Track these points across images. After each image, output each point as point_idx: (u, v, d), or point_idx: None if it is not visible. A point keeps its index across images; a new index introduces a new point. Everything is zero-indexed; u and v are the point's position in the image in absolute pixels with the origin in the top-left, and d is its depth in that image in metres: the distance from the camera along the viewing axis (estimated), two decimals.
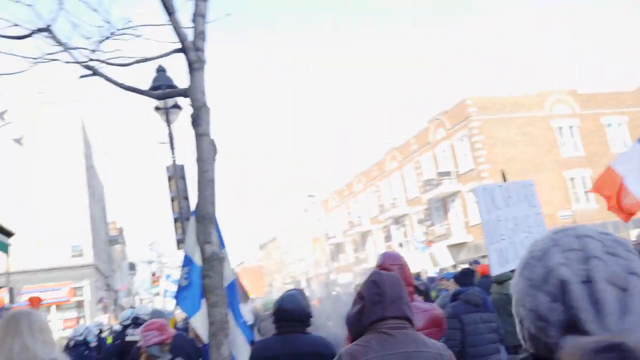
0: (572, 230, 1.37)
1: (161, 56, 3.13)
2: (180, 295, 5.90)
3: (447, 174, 39.59)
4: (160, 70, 10.40)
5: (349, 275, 55.59)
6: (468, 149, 37.89)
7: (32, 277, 29.65)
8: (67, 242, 32.60)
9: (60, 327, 29.69)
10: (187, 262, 6.18)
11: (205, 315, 4.88)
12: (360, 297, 3.02)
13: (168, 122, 11.01)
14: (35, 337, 3.05)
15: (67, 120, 31.46)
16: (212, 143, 3.05)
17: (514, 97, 38.85)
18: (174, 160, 11.05)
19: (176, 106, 10.95)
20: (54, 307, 32.23)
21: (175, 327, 13.21)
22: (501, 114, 37.68)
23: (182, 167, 11.31)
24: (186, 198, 11.18)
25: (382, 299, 2.92)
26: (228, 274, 5.82)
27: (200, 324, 5.39)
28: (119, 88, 3.19)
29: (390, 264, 4.00)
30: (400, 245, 45.37)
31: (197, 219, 3.03)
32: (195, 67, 3.04)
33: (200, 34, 3.04)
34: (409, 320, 2.94)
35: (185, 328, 11.92)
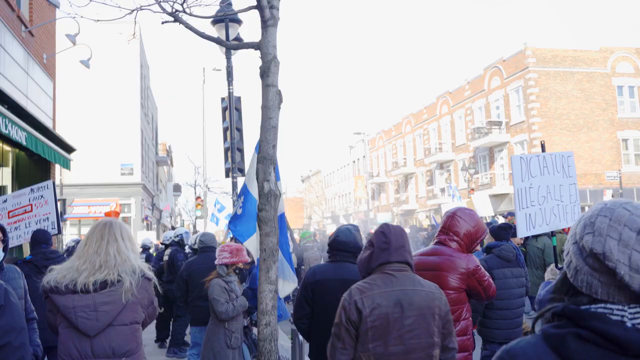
0: (631, 206, 1.54)
1: (238, 12, 3.48)
2: (234, 222, 6.44)
3: (498, 123, 39.22)
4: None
5: (388, 215, 56.19)
6: (521, 100, 37.39)
7: (82, 191, 30.94)
8: (117, 160, 33.71)
9: None
10: (244, 192, 6.70)
11: (257, 241, 5.39)
12: (370, 244, 3.63)
13: (227, 55, 11.27)
14: (126, 244, 3.39)
15: (126, 41, 32.04)
16: (278, 93, 3.42)
17: (575, 51, 37.76)
18: (230, 92, 11.43)
19: (237, 38, 11.22)
20: None
21: None
22: (560, 67, 36.88)
23: (238, 99, 11.71)
24: (239, 129, 11.61)
25: (388, 246, 3.54)
26: (280, 207, 6.33)
27: (252, 247, 5.96)
28: (196, 36, 3.57)
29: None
30: (442, 190, 45.50)
31: (258, 159, 3.42)
32: (268, 23, 3.38)
33: None
34: (409, 264, 3.56)
35: None
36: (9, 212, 6.84)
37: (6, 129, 7.91)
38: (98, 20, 4.44)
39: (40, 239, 5.77)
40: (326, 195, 74.21)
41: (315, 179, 79.02)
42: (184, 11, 3.61)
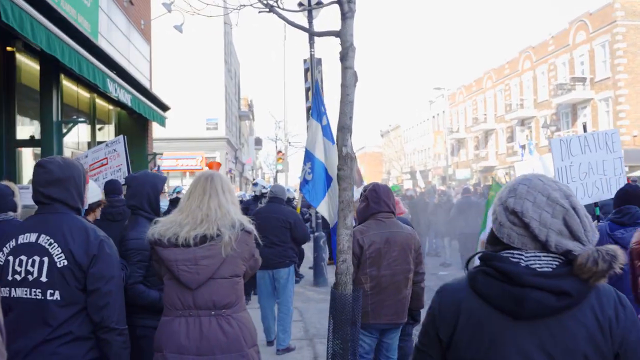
0: (546, 178, 2.01)
1: (322, 6, 4.20)
2: (305, 187, 7.19)
3: (582, 80, 38.27)
4: None
5: (467, 171, 56.01)
6: (607, 56, 36.27)
7: (170, 145, 32.53)
8: (203, 115, 35.11)
9: None
10: (309, 158, 7.46)
11: (328, 203, 6.22)
12: (365, 198, 5.04)
13: (310, 20, 11.87)
14: (227, 197, 3.46)
15: None
16: (355, 74, 4.13)
17: None
18: (312, 54, 12.11)
19: (319, 3, 11.84)
20: (187, 173, 35.40)
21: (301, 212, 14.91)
22: None
23: (319, 60, 12.39)
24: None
25: (378, 200, 4.97)
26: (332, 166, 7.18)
27: (325, 211, 6.70)
28: (288, 25, 4.32)
29: None
30: (523, 147, 45.02)
31: (338, 129, 4.18)
32: (347, 15, 4.07)
33: None
34: (393, 213, 5.01)
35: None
36: (90, 166, 7.60)
37: (116, 92, 8.95)
38: (195, 13, 5.21)
39: (110, 189, 6.03)
40: (405, 150, 74.25)
41: (395, 134, 79.03)
42: (278, 6, 4.37)
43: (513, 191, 1.97)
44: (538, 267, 1.85)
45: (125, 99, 9.57)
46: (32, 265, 2.94)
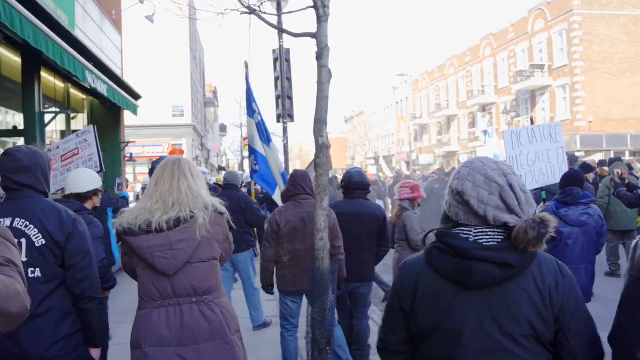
0: (487, 160, 2.20)
1: (300, 10, 4.67)
2: (256, 176, 7.77)
3: (541, 67, 39.26)
4: None
5: (430, 157, 56.93)
6: (565, 44, 37.34)
7: (137, 132, 32.47)
8: (169, 103, 35.09)
9: None
10: (252, 152, 8.03)
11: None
12: (288, 182, 5.92)
13: (279, 9, 12.24)
14: (196, 180, 3.36)
15: None
16: (329, 72, 4.63)
17: None
18: (281, 44, 12.46)
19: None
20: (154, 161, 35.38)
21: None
22: (605, 10, 36.56)
23: (287, 51, 12.75)
24: (289, 79, 12.69)
25: (296, 184, 5.71)
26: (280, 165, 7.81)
27: (279, 198, 7.38)
28: (268, 26, 4.79)
29: None
30: (484, 132, 45.90)
31: (315, 121, 4.67)
32: (322, 19, 4.55)
33: None
34: (310, 194, 5.64)
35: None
36: (61, 157, 7.70)
37: (94, 83, 9.27)
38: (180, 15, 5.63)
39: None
40: (369, 136, 74.88)
41: (359, 120, 79.57)
42: (259, 9, 4.85)
43: (457, 174, 2.20)
44: (485, 242, 2.03)
45: (102, 89, 9.89)
46: None
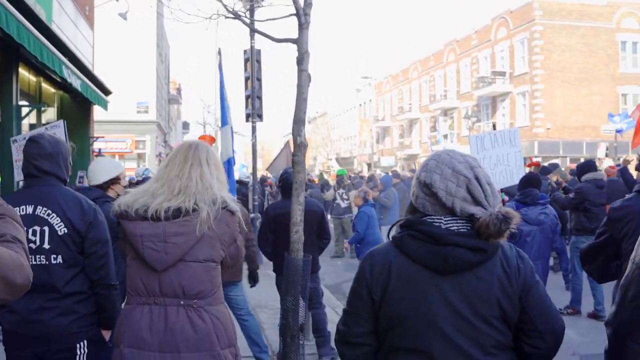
0: (454, 153, 2.26)
1: (282, 17, 5.00)
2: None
3: (502, 74, 40.18)
4: None
5: (392, 159, 57.61)
6: (526, 52, 38.29)
7: (100, 128, 32.20)
8: (133, 99, 34.83)
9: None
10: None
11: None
12: None
13: (251, 10, 12.48)
14: (212, 170, 3.03)
15: None
16: (309, 76, 4.96)
17: (582, 5, 38.28)
18: (252, 45, 12.71)
19: None
20: (117, 156, 35.23)
21: None
22: (566, 21, 37.58)
23: (258, 52, 13.00)
24: (259, 79, 12.95)
25: None
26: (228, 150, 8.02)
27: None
28: (250, 30, 5.08)
29: None
30: (445, 137, 46.78)
31: (294, 122, 4.98)
32: (303, 27, 4.87)
33: (308, 4, 4.88)
34: None
35: None
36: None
37: (69, 78, 9.43)
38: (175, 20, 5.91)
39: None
40: (332, 137, 75.28)
41: (322, 121, 79.84)
42: (245, 15, 5.16)
43: (425, 166, 2.26)
44: (456, 229, 2.12)
45: (76, 84, 10.03)
46: (34, 235, 3.24)
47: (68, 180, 3.53)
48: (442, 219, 2.16)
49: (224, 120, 8.69)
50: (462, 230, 2.13)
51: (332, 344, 6.71)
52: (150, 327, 2.82)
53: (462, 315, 2.09)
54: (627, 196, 3.75)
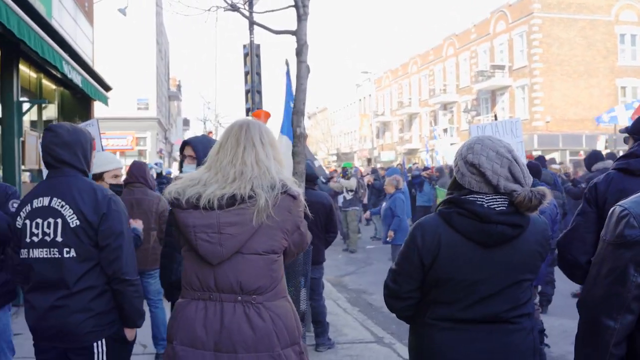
0: (494, 138, 2.64)
1: (281, 9, 5.05)
2: None
3: (501, 67, 40.22)
4: None
5: (392, 154, 57.66)
6: (525, 45, 38.32)
7: (101, 124, 32.20)
8: (134, 95, 34.88)
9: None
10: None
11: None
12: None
13: (250, 2, 12.51)
14: (267, 151, 2.75)
15: None
16: (307, 67, 5.02)
17: None
18: (252, 40, 12.74)
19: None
20: (118, 153, 35.30)
21: None
22: (564, 14, 37.58)
23: (257, 46, 13.02)
24: (258, 74, 12.97)
25: (131, 173, 6.39)
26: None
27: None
28: (249, 23, 5.15)
29: None
30: (445, 131, 46.84)
31: (293, 113, 5.05)
32: (302, 18, 4.94)
33: None
34: (143, 183, 6.35)
35: None
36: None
37: (70, 74, 9.47)
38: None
39: None
40: (332, 132, 75.28)
41: (322, 116, 79.78)
42: (243, 7, 5.21)
43: (471, 149, 2.59)
44: (496, 207, 2.49)
45: (77, 80, 10.07)
46: (49, 227, 3.17)
47: (90, 171, 3.43)
48: (484, 198, 2.52)
49: (284, 129, 8.81)
50: (501, 208, 2.49)
51: (330, 334, 6.86)
52: (205, 325, 2.60)
53: (497, 281, 2.53)
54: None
